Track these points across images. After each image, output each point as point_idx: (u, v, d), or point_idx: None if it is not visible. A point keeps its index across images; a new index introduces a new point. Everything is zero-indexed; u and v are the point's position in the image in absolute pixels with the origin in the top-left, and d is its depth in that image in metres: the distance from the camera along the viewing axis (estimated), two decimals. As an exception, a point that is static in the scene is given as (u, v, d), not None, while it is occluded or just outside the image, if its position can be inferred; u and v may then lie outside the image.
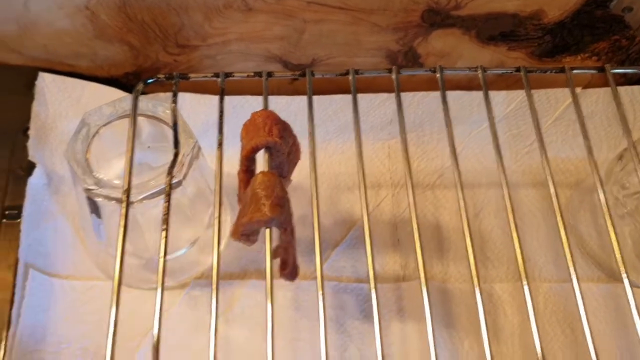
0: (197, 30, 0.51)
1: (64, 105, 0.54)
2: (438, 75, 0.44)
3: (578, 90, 0.58)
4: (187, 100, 0.55)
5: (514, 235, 0.41)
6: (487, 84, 0.43)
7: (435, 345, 0.39)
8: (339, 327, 0.49)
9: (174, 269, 0.50)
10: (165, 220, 0.37)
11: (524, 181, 0.57)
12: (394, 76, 0.44)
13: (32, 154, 0.52)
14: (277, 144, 0.39)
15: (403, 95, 0.57)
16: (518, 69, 0.44)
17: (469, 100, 0.57)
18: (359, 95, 0.57)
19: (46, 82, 0.54)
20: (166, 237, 0.37)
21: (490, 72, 0.44)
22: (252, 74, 0.44)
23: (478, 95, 0.58)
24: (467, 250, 0.40)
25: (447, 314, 0.50)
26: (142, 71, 0.55)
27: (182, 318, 0.49)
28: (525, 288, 0.39)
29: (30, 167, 0.52)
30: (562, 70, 0.45)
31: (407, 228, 0.54)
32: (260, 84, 0.57)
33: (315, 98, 0.57)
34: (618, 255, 0.41)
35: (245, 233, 0.40)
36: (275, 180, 0.38)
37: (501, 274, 0.52)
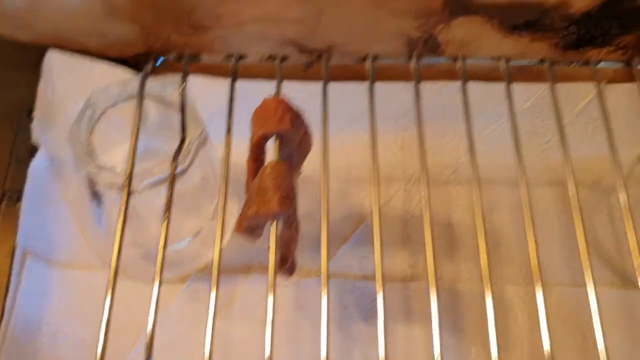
0: (210, 11, 0.49)
1: (71, 86, 0.52)
2: (459, 64, 0.42)
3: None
4: (195, 83, 0.53)
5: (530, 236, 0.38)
6: (510, 75, 0.42)
7: (442, 351, 0.37)
8: (343, 329, 0.48)
9: (175, 261, 0.49)
10: (168, 209, 0.36)
11: (540, 179, 0.55)
12: (413, 63, 0.42)
13: (36, 136, 0.51)
14: (289, 132, 0.38)
15: (419, 85, 0.56)
16: (542, 60, 0.42)
17: (488, 93, 0.54)
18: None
19: (54, 60, 0.52)
20: (167, 227, 0.35)
21: (514, 63, 0.43)
22: (267, 56, 0.42)
23: (497, 87, 0.56)
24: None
25: (456, 317, 0.49)
26: (152, 52, 0.52)
27: (181, 312, 0.48)
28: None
29: (33, 150, 0.50)
30: (587, 62, 0.43)
31: (417, 225, 0.52)
32: (272, 69, 0.55)
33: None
34: (636, 261, 0.39)
35: (250, 226, 0.38)
36: (285, 171, 0.36)
37: (513, 276, 0.51)
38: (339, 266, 0.50)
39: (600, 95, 0.42)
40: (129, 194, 0.35)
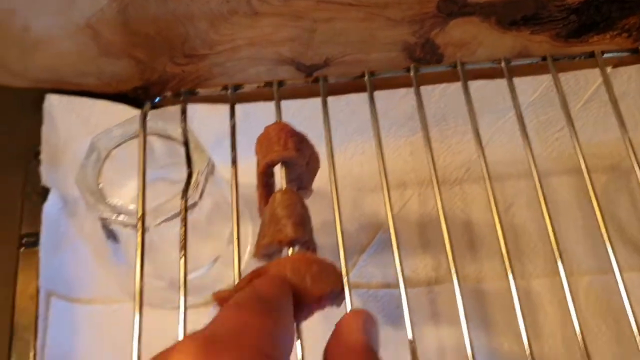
0: (204, 39, 0.49)
1: (74, 126, 0.52)
2: (459, 70, 0.41)
3: (608, 69, 0.54)
4: (198, 111, 0.53)
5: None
6: (511, 76, 0.41)
7: (473, 349, 0.36)
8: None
9: (198, 287, 0.49)
10: (183, 246, 0.36)
11: (556, 169, 0.54)
12: (412, 74, 0.42)
13: (46, 178, 0.51)
14: (294, 158, 0.37)
15: (423, 89, 0.55)
16: (544, 58, 0.42)
17: (494, 89, 0.54)
18: (376, 93, 0.55)
19: (53, 103, 0.52)
20: (185, 262, 0.35)
21: (515, 64, 0.42)
22: (263, 84, 0.42)
23: (502, 83, 0.54)
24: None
25: (483, 315, 0.48)
26: (150, 84, 0.53)
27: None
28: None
29: (45, 191, 0.51)
30: (591, 55, 0.42)
31: (435, 228, 0.52)
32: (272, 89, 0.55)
33: (331, 99, 0.55)
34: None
35: (267, 254, 0.38)
36: (295, 198, 0.36)
37: (538, 270, 0.50)
38: (360, 276, 0.50)
39: (608, 84, 0.41)
40: (143, 235, 0.35)
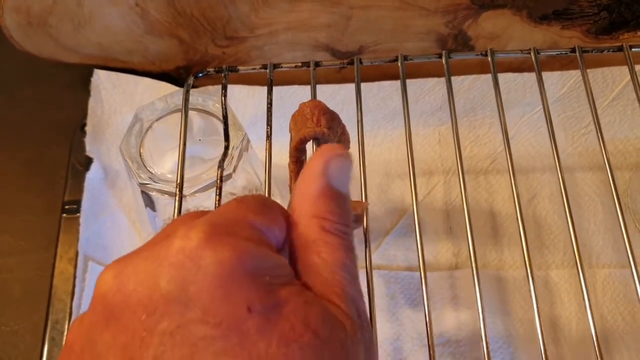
0: (244, 22, 0.51)
1: (118, 101, 0.55)
2: (489, 58, 0.43)
3: (637, 67, 0.55)
4: (235, 92, 0.55)
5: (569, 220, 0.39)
6: (540, 66, 0.42)
7: (486, 334, 0.38)
8: (391, 317, 0.49)
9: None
10: (217, 213, 0.38)
11: (580, 164, 0.56)
12: (444, 61, 0.43)
13: (89, 149, 0.54)
14: (325, 135, 0.39)
15: (453, 79, 0.56)
16: (573, 50, 0.43)
17: (521, 83, 0.56)
18: (408, 81, 0.57)
19: (101, 78, 0.55)
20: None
21: (544, 54, 0.43)
22: (300, 64, 0.44)
23: (530, 77, 0.56)
24: (520, 237, 0.39)
25: (501, 302, 0.50)
26: (192, 65, 0.55)
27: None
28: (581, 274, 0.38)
29: (88, 162, 0.53)
30: (620, 48, 0.43)
31: (459, 215, 0.53)
32: (307, 74, 0.57)
33: (362, 86, 0.57)
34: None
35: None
36: (324, 172, 0.38)
37: (557, 260, 0.51)
38: (383, 257, 0.52)
39: (634, 80, 0.43)
40: (180, 201, 0.37)
